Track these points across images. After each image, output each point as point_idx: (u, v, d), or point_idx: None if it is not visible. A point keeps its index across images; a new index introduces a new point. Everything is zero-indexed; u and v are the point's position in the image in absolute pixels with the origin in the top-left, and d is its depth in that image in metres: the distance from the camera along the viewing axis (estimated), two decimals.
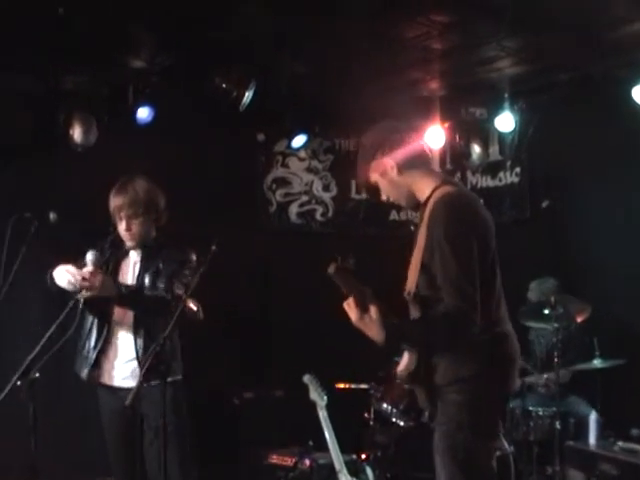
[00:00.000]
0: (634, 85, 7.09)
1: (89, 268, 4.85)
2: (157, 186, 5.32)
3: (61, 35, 6.49)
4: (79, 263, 4.95)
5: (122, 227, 5.18)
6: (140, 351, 5.03)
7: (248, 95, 7.41)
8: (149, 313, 5.05)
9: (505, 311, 4.09)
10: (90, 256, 4.91)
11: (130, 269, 5.28)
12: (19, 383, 4.37)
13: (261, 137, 9.11)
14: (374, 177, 4.16)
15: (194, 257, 5.21)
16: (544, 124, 8.18)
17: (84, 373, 5.18)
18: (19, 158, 7.36)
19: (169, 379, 4.83)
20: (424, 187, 4.07)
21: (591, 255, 7.64)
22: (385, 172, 4.11)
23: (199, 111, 8.11)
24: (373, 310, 3.85)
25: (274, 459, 7.09)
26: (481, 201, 4.13)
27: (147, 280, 5.16)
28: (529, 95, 8.05)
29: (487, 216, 4.05)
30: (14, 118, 7.28)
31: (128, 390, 4.60)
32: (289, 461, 6.94)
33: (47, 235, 5.09)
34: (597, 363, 6.58)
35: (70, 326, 4.82)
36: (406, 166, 4.08)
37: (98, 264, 4.93)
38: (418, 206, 4.16)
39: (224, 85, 7.42)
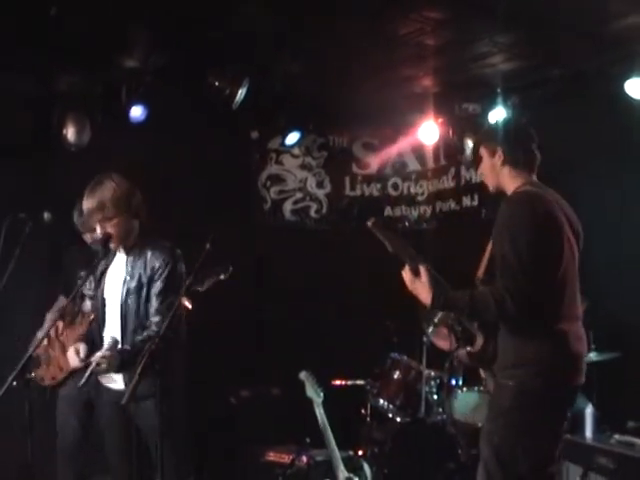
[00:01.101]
0: (627, 79, 7.09)
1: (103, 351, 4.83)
2: (128, 182, 5.16)
3: (54, 35, 6.49)
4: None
5: (98, 232, 5.09)
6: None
7: (241, 93, 7.41)
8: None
9: (574, 311, 4.34)
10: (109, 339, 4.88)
11: (115, 275, 5.18)
12: (15, 383, 4.37)
13: (255, 135, 9.12)
14: (483, 152, 4.55)
15: (160, 264, 5.06)
16: (537, 120, 8.16)
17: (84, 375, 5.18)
18: (14, 158, 7.35)
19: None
20: (512, 185, 4.45)
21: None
22: (492, 156, 4.51)
23: (193, 109, 8.11)
24: (423, 274, 4.18)
25: (271, 456, 7.09)
26: (563, 201, 4.51)
27: (131, 297, 5.04)
28: (522, 91, 8.05)
29: (558, 215, 4.32)
30: (8, 118, 7.27)
31: (119, 390, 4.64)
32: (286, 458, 6.94)
33: (41, 235, 5.10)
34: (593, 356, 6.57)
35: None
36: (510, 162, 4.47)
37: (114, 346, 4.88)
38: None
39: (217, 83, 7.43)
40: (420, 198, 9.21)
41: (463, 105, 8.52)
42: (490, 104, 8.08)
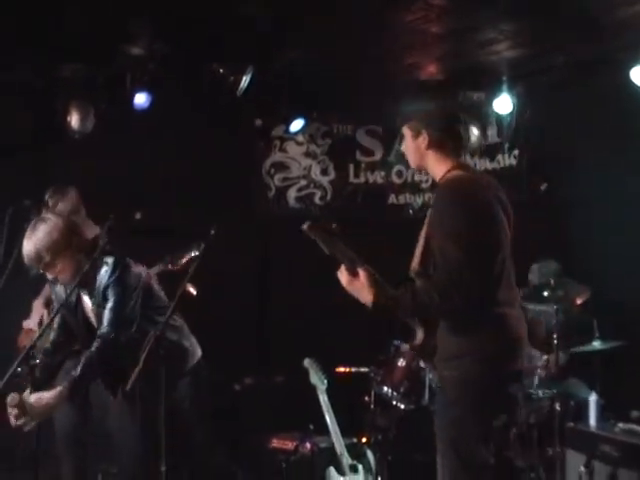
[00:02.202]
0: (632, 67, 7.08)
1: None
2: (63, 218, 5.03)
3: (59, 23, 6.49)
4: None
5: (49, 277, 5.00)
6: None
7: (245, 80, 7.41)
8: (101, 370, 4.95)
9: (511, 295, 4.17)
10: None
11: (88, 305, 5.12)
12: (20, 369, 4.38)
13: (259, 122, 9.12)
14: (406, 133, 4.37)
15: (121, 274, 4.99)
16: (542, 106, 8.17)
17: None
18: (18, 146, 7.36)
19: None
20: (439, 170, 4.27)
21: (590, 237, 7.64)
22: (416, 137, 4.31)
23: (196, 97, 8.10)
24: (362, 274, 4.00)
25: (275, 444, 7.10)
26: (495, 184, 4.36)
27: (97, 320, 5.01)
28: (527, 78, 8.04)
29: (492, 199, 4.18)
30: (13, 106, 7.28)
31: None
32: (290, 445, 6.95)
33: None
34: (597, 345, 6.58)
35: None
36: (435, 146, 4.28)
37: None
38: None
39: (221, 71, 7.42)
40: (424, 185, 9.19)
41: (468, 93, 8.51)
42: (495, 92, 8.08)
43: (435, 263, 4.01)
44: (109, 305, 4.91)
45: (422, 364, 4.57)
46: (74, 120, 7.43)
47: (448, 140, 4.27)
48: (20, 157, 7.40)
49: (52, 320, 5.16)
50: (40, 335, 4.98)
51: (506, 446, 4.25)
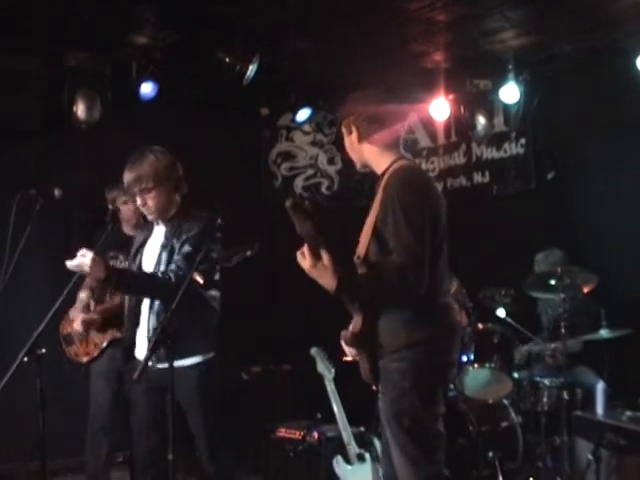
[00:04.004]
0: (638, 55, 7.07)
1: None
2: (170, 155, 5.20)
3: (65, 13, 6.49)
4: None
5: (138, 203, 5.10)
6: (152, 330, 5.00)
7: (252, 69, 7.40)
8: (146, 296, 5.00)
9: (448, 285, 4.28)
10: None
11: (153, 247, 5.18)
12: (26, 359, 4.38)
13: (265, 111, 9.12)
14: (343, 129, 4.36)
15: (193, 233, 5.06)
16: (549, 95, 8.16)
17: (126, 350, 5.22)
18: (25, 136, 7.37)
19: (195, 360, 4.95)
20: (381, 161, 4.27)
21: (597, 225, 7.63)
22: (349, 133, 4.32)
23: (203, 86, 8.10)
24: (325, 257, 3.96)
25: (282, 432, 7.11)
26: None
27: (163, 260, 5.06)
28: (534, 66, 8.03)
29: (438, 192, 4.23)
30: (19, 96, 7.28)
31: (154, 368, 4.65)
32: (297, 434, 6.96)
33: (52, 211, 5.11)
34: (604, 333, 6.57)
35: None
36: (367, 139, 4.27)
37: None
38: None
39: (228, 60, 7.41)
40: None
41: (474, 81, 8.49)
42: (501, 80, 8.06)
43: (384, 251, 4.02)
44: (185, 251, 5.01)
45: (348, 352, 4.47)
46: (80, 110, 7.43)
47: (377, 130, 4.24)
48: (26, 147, 7.41)
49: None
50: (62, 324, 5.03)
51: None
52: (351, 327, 4.25)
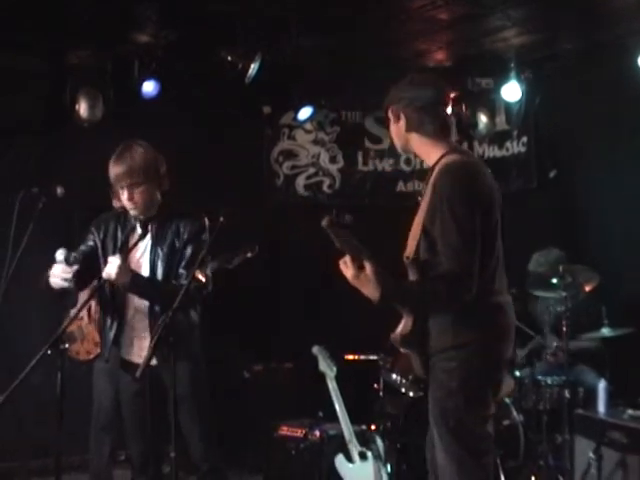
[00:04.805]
0: None
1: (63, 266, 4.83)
2: (155, 150, 5.16)
3: (66, 11, 6.49)
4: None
5: (124, 197, 5.05)
6: (154, 328, 5.00)
7: (254, 68, 7.40)
8: (166, 303, 4.98)
9: (504, 283, 4.12)
10: (59, 255, 4.87)
11: (140, 243, 5.12)
12: (49, 352, 4.38)
13: (267, 110, 9.11)
14: (390, 115, 4.28)
15: (207, 224, 5.09)
16: (550, 93, 8.16)
17: (106, 350, 5.21)
18: (27, 134, 7.37)
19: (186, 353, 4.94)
20: (431, 153, 4.14)
21: (599, 224, 7.64)
22: (397, 121, 4.22)
23: (205, 84, 8.10)
24: (369, 267, 3.86)
25: (284, 431, 7.12)
26: (488, 171, 4.13)
27: (161, 258, 5.07)
28: (535, 64, 8.03)
29: (492, 186, 4.07)
30: (21, 94, 7.29)
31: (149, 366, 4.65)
32: (299, 432, 6.97)
33: (54, 210, 5.12)
34: (606, 332, 6.58)
35: None
36: (416, 128, 4.15)
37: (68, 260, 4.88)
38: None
39: (230, 58, 7.42)
40: None
41: (476, 79, 8.50)
42: (503, 78, 8.07)
43: (433, 249, 3.93)
44: (187, 254, 5.06)
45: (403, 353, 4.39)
46: (83, 108, 7.44)
47: (429, 121, 4.13)
48: (28, 146, 7.41)
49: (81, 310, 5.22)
50: (71, 321, 5.04)
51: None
52: (400, 328, 4.17)
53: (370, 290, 3.89)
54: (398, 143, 4.31)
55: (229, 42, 7.37)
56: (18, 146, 7.30)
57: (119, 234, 5.21)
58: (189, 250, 5.07)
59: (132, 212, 5.14)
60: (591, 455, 5.76)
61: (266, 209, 8.95)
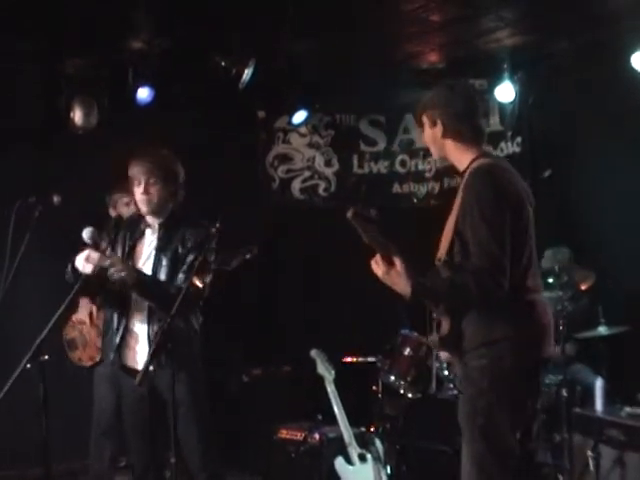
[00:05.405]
0: (633, 53, 7.09)
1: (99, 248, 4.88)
2: (177, 159, 5.25)
3: (60, 19, 6.50)
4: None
5: (139, 191, 5.08)
6: (153, 335, 5.01)
7: (248, 72, 7.42)
8: (165, 305, 4.91)
9: (538, 282, 4.16)
10: (87, 234, 4.89)
11: (146, 248, 5.19)
12: (29, 366, 4.39)
13: (262, 114, 9.13)
14: (424, 120, 4.34)
15: (213, 232, 5.04)
16: (544, 94, 8.18)
17: (110, 356, 5.23)
18: (22, 142, 7.38)
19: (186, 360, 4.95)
20: (463, 158, 4.23)
21: (594, 223, 7.65)
22: (433, 126, 4.28)
23: (199, 90, 8.12)
24: (398, 264, 3.94)
25: (284, 434, 7.13)
26: (517, 173, 4.23)
27: (164, 264, 5.08)
28: (528, 65, 8.05)
29: (520, 187, 4.14)
30: (16, 102, 7.30)
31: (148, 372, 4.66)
32: (299, 436, 6.98)
33: (51, 218, 5.13)
34: (602, 330, 6.60)
35: None
36: (452, 134, 4.24)
37: (96, 240, 4.92)
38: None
39: (223, 63, 7.43)
40: (428, 175, 9.19)
41: (469, 81, 8.50)
42: (496, 79, 8.09)
43: (466, 251, 3.99)
44: (189, 261, 5.07)
45: (442, 356, 4.42)
46: (77, 116, 7.45)
47: (465, 128, 4.22)
48: (24, 154, 7.42)
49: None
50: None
51: (530, 437, 4.24)
52: (440, 331, 4.20)
53: (401, 286, 3.96)
54: (433, 148, 4.38)
55: (223, 47, 7.39)
56: (13, 155, 7.30)
57: (127, 239, 5.23)
58: (191, 257, 5.07)
59: (143, 208, 5.16)
60: (589, 453, 5.79)
61: (262, 213, 8.96)
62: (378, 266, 3.99)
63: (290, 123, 9.07)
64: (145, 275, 5.06)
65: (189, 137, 8.03)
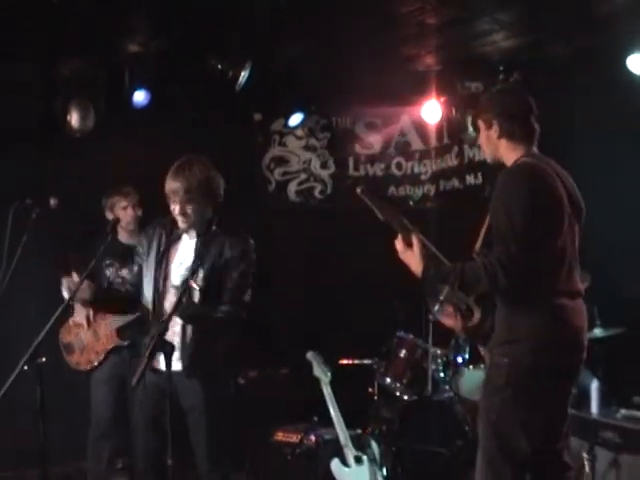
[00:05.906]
0: (628, 55, 7.10)
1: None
2: (215, 168, 5.21)
3: (56, 21, 6.50)
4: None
5: (176, 210, 5.02)
6: (188, 337, 5.01)
7: (244, 75, 7.42)
8: (210, 333, 5.03)
9: (573, 286, 4.27)
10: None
11: (180, 253, 5.13)
12: (26, 368, 4.39)
13: (258, 117, 9.14)
14: (480, 124, 4.49)
15: (250, 248, 5.16)
16: (539, 96, 8.17)
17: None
18: (19, 145, 7.38)
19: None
20: (511, 157, 4.36)
21: (590, 225, 7.64)
22: (488, 128, 4.43)
23: (195, 93, 8.12)
24: (415, 244, 4.13)
25: (280, 436, 7.14)
26: (565, 173, 4.48)
27: (200, 275, 4.96)
28: (524, 68, 8.05)
29: (561, 189, 4.28)
30: (12, 105, 7.29)
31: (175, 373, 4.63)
32: (295, 438, 6.99)
33: (48, 220, 5.13)
34: (598, 332, 6.60)
35: None
36: (506, 135, 4.38)
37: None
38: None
39: (220, 66, 7.44)
40: (424, 177, 9.21)
41: (465, 83, 8.53)
42: (492, 82, 8.08)
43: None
44: (233, 278, 5.09)
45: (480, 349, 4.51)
46: (74, 119, 7.45)
47: (518, 128, 4.37)
48: (21, 156, 7.42)
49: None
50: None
51: (558, 438, 4.24)
52: (472, 321, 4.32)
53: (414, 265, 4.15)
54: (487, 149, 4.51)
55: (219, 50, 7.40)
56: (12, 155, 7.30)
57: (163, 240, 5.18)
58: (235, 274, 5.09)
59: (181, 225, 5.12)
60: (585, 455, 5.79)
61: (258, 215, 8.96)
62: (399, 244, 4.20)
63: (286, 126, 9.09)
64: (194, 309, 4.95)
65: (185, 140, 8.03)
